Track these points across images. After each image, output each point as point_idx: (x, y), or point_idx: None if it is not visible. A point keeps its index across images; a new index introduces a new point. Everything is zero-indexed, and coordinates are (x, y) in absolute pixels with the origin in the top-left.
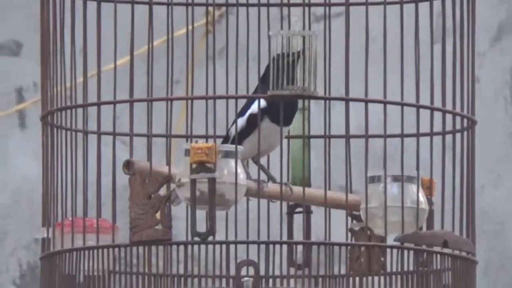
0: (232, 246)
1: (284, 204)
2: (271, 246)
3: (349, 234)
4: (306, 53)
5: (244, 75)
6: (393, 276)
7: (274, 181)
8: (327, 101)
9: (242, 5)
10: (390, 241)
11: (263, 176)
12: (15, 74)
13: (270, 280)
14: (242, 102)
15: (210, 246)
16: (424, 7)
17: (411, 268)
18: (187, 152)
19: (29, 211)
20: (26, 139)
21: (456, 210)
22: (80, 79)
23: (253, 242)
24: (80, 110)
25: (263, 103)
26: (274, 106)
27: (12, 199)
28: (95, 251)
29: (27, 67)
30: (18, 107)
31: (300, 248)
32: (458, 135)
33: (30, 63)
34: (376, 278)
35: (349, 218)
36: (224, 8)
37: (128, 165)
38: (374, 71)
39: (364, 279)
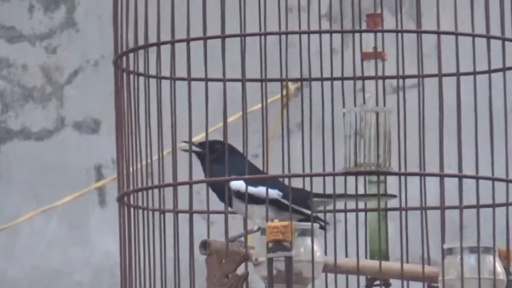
0: None
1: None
2: None
3: None
4: (379, 128)
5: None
6: None
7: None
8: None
9: (316, 79)
10: None
11: None
12: (94, 152)
13: None
14: (317, 180)
15: None
16: (497, 77)
17: None
18: (263, 231)
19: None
20: (106, 216)
21: None
22: (155, 158)
23: None
24: (156, 189)
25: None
26: None
27: (93, 276)
28: None
29: (106, 144)
30: (97, 184)
31: None
32: None
33: (109, 140)
34: None
35: None
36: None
37: (204, 245)
38: (450, 143)
39: None
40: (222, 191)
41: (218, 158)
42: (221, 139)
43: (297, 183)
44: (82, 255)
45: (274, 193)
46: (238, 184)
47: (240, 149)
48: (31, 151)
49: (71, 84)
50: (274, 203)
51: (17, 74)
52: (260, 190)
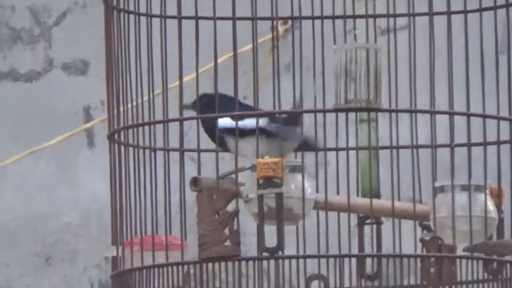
0: (301, 261)
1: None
2: (341, 259)
3: (420, 244)
4: (370, 65)
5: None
6: (464, 286)
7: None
8: (394, 113)
9: (306, 18)
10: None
11: None
12: (82, 93)
13: None
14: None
15: (280, 261)
16: (488, 15)
17: (481, 277)
18: (254, 167)
19: (99, 229)
20: (95, 157)
21: None
22: (146, 97)
23: (322, 256)
24: (147, 128)
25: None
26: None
27: (82, 217)
28: (165, 268)
29: (94, 86)
30: (86, 125)
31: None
32: None
33: (97, 81)
34: None
35: (420, 228)
36: (290, 23)
37: (195, 182)
38: (440, 82)
39: None
40: (212, 130)
41: (210, 105)
42: (211, 82)
43: None
44: (71, 196)
45: (260, 122)
46: (226, 121)
47: (230, 90)
48: (19, 92)
49: (60, 25)
50: (261, 132)
51: (5, 15)
52: (247, 122)
